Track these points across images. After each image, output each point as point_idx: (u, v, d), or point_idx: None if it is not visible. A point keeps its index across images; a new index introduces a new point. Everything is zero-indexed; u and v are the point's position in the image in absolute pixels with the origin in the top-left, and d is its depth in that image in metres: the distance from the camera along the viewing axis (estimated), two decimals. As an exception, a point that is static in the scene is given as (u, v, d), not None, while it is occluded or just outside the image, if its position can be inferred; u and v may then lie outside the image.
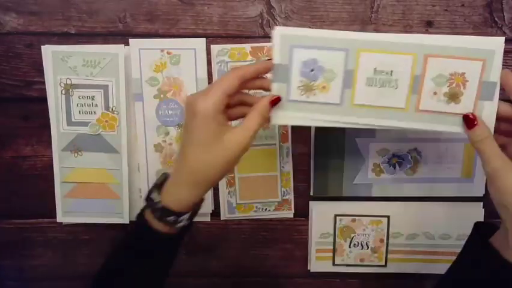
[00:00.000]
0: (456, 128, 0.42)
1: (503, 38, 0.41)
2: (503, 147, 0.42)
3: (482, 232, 0.43)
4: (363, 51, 0.42)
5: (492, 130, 0.42)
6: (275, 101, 0.42)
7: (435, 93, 0.42)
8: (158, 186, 0.43)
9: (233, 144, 0.41)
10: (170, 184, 0.43)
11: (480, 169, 0.54)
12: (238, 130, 0.41)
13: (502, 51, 0.41)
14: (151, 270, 0.43)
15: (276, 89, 0.43)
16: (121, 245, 0.45)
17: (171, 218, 0.41)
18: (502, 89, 0.41)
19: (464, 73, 0.42)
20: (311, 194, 0.57)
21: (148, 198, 0.43)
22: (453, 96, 0.42)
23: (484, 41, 0.41)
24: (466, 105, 0.42)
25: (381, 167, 0.55)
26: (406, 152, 0.55)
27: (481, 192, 0.56)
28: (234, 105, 0.44)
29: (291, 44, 0.42)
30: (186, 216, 0.42)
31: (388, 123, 0.43)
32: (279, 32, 0.42)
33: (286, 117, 0.44)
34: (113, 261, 0.45)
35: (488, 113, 0.42)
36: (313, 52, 0.42)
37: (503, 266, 0.39)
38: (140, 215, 0.44)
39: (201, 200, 0.44)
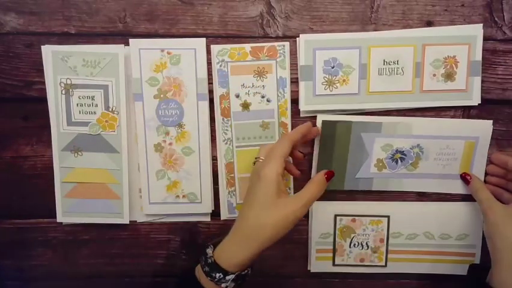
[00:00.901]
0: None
1: (481, 25, 0.53)
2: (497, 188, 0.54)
3: (477, 274, 0.50)
4: (373, 47, 0.53)
5: (482, 178, 0.55)
6: (330, 175, 0.48)
7: (434, 75, 0.53)
8: (215, 243, 0.45)
9: (288, 211, 0.43)
10: (225, 241, 0.44)
11: (478, 166, 0.55)
12: (295, 199, 0.44)
13: (482, 36, 0.53)
14: None
15: (303, 86, 0.53)
16: None
17: (218, 275, 0.42)
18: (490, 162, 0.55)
19: (455, 56, 0.53)
20: None
21: (203, 253, 0.44)
22: (449, 76, 0.53)
23: (468, 28, 0.53)
24: (460, 82, 0.54)
25: (384, 162, 0.55)
26: (409, 148, 0.55)
27: None
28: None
29: (314, 47, 0.53)
30: (232, 276, 0.43)
31: (399, 105, 0.54)
32: (303, 38, 0.53)
33: (313, 109, 0.54)
34: None
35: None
36: (333, 52, 0.53)
37: None
38: (192, 269, 0.45)
39: (251, 265, 0.45)
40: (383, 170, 0.55)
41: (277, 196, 0.43)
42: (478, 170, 0.55)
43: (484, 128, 0.54)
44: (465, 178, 0.55)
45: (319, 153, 0.55)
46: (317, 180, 0.47)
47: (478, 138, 0.54)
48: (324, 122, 0.53)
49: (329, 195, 0.56)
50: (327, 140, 0.54)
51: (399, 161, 0.55)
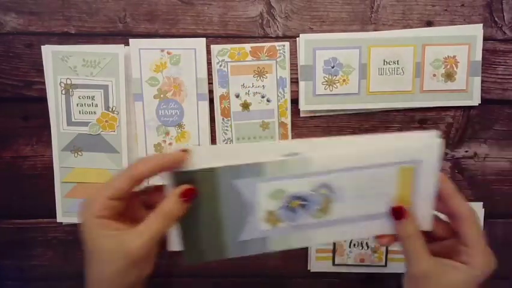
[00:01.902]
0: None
1: (481, 25, 0.52)
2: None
3: None
4: (373, 47, 0.52)
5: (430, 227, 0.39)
6: (188, 194, 0.36)
7: (434, 75, 0.53)
8: None
9: (119, 255, 0.34)
10: None
11: (423, 199, 0.39)
12: (129, 235, 0.34)
13: (482, 35, 0.52)
14: None
15: (303, 86, 0.53)
16: None
17: None
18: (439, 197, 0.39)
19: (455, 56, 0.53)
20: (186, 263, 0.40)
21: None
22: (449, 76, 0.52)
23: (468, 28, 0.52)
24: (460, 82, 0.53)
25: (277, 214, 0.39)
26: (311, 190, 0.38)
27: (427, 226, 0.40)
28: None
29: (314, 47, 0.52)
30: None
31: (399, 105, 0.53)
32: (303, 38, 0.52)
33: (313, 109, 0.52)
34: None
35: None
36: (333, 52, 0.52)
37: None
38: None
39: None
40: (279, 224, 0.39)
41: (104, 236, 0.34)
42: (423, 204, 0.39)
43: (427, 144, 0.37)
44: (396, 211, 0.38)
45: (181, 220, 0.38)
46: (165, 211, 0.35)
47: (420, 162, 0.37)
48: (174, 177, 0.37)
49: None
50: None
51: (299, 209, 0.39)
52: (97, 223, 0.34)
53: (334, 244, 0.58)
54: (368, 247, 0.58)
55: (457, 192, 0.39)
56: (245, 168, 0.38)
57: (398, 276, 0.59)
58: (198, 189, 0.37)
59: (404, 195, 0.38)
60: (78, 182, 0.56)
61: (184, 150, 0.36)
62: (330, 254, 0.58)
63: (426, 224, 0.39)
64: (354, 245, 0.58)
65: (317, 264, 0.59)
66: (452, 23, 0.53)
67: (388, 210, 0.39)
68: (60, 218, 0.57)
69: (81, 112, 0.54)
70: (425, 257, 0.37)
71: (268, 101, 0.55)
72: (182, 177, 0.37)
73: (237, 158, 0.37)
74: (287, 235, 0.40)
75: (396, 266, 0.59)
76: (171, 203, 0.35)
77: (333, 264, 0.59)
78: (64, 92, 0.54)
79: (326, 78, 0.53)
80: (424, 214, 0.39)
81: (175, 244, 0.39)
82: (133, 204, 0.37)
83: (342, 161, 0.37)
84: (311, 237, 0.40)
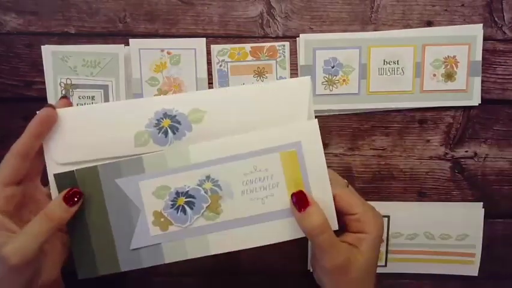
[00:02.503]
0: None
1: (481, 25, 0.52)
2: None
3: None
4: (373, 47, 0.52)
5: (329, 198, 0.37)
6: (70, 197, 0.33)
7: (434, 75, 0.53)
8: None
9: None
10: None
11: (317, 185, 0.37)
12: (8, 239, 0.31)
13: (482, 35, 0.52)
14: None
15: None
16: None
17: None
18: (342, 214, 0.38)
19: (455, 56, 0.52)
20: (78, 277, 0.38)
21: None
22: (449, 76, 0.52)
23: (468, 28, 0.52)
24: (460, 82, 0.52)
25: (165, 215, 0.36)
26: (196, 184, 0.36)
27: (333, 225, 0.38)
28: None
29: (314, 47, 0.52)
30: None
31: (400, 105, 0.53)
32: (303, 38, 0.52)
33: (314, 109, 0.43)
34: None
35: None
36: (333, 52, 0.52)
37: None
38: None
39: None
40: (170, 228, 0.37)
41: None
42: (319, 193, 0.37)
43: (303, 127, 0.36)
44: (300, 200, 0.35)
45: (68, 226, 0.36)
46: (46, 213, 0.32)
47: (299, 143, 0.36)
48: (57, 177, 0.35)
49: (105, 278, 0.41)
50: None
51: (187, 208, 0.36)
52: None
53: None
54: (368, 247, 0.58)
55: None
56: (125, 164, 0.36)
57: (398, 276, 0.59)
58: (83, 191, 0.35)
59: (295, 182, 0.36)
60: (78, 182, 0.56)
61: (49, 106, 0.34)
62: (330, 254, 0.58)
63: (330, 214, 0.37)
64: (354, 245, 0.58)
65: (317, 264, 0.59)
66: (452, 23, 0.53)
67: (285, 204, 0.36)
68: (61, 218, 0.57)
69: (81, 112, 0.54)
70: (340, 247, 0.35)
71: (268, 101, 0.55)
72: (64, 179, 0.35)
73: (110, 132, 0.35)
74: (182, 241, 0.37)
75: (396, 266, 0.59)
76: (54, 206, 0.33)
77: (333, 264, 0.58)
78: (64, 92, 0.54)
79: (326, 78, 0.53)
80: (323, 201, 0.36)
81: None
82: (36, 200, 0.35)
83: (220, 150, 0.36)
84: (208, 243, 0.37)
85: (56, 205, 0.33)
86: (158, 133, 0.36)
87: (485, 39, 0.53)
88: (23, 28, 0.53)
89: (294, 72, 0.54)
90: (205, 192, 0.36)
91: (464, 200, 0.57)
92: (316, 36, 0.53)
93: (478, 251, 0.57)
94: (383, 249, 0.58)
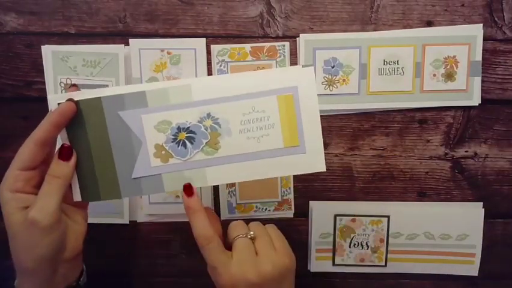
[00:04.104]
0: None
1: (481, 25, 0.52)
2: None
3: None
4: (373, 47, 0.52)
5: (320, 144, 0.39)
6: (63, 153, 0.36)
7: (434, 75, 0.53)
8: None
9: (24, 226, 0.34)
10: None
11: (309, 130, 0.39)
12: (31, 206, 0.35)
13: (482, 35, 0.52)
14: None
15: None
16: None
17: None
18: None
19: (455, 56, 0.53)
20: (77, 199, 0.40)
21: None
22: (449, 76, 0.52)
23: (468, 28, 0.52)
24: (460, 82, 0.53)
25: (166, 148, 0.39)
26: (197, 121, 0.38)
27: (319, 166, 0.39)
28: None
29: (314, 47, 0.52)
30: None
31: (400, 105, 0.53)
32: (303, 38, 0.52)
33: None
34: None
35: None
36: (333, 52, 0.52)
37: None
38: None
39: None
40: (170, 160, 0.39)
41: (17, 212, 0.35)
42: (311, 138, 0.39)
43: (299, 72, 0.38)
44: (187, 190, 0.39)
45: (75, 149, 0.39)
46: (50, 173, 0.36)
47: (295, 88, 0.38)
48: (61, 103, 0.37)
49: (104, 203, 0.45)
50: (76, 131, 0.38)
51: (187, 143, 0.39)
52: (11, 197, 0.35)
53: (334, 244, 0.58)
54: (368, 247, 0.58)
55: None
56: (129, 97, 0.37)
57: (398, 276, 0.59)
58: (87, 120, 0.37)
59: (289, 124, 0.38)
60: (78, 182, 0.56)
61: (70, 100, 0.37)
62: (330, 254, 0.58)
63: (319, 157, 0.39)
64: (354, 245, 0.58)
65: (317, 264, 0.59)
66: (452, 23, 0.53)
67: (278, 144, 0.38)
68: (61, 218, 0.57)
69: (81, 112, 0.54)
70: (229, 261, 0.38)
71: (268, 101, 0.55)
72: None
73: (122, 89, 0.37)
74: (181, 172, 0.39)
75: (396, 266, 0.59)
76: (54, 165, 0.36)
77: (333, 264, 0.59)
78: (64, 92, 0.54)
79: (326, 78, 0.53)
80: (314, 144, 0.39)
81: (77, 193, 0.39)
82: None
83: (221, 89, 0.38)
84: (206, 175, 0.39)
85: (56, 164, 0.36)
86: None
87: (485, 39, 0.53)
88: (23, 28, 0.53)
89: (294, 72, 0.54)
90: (205, 128, 0.38)
91: (464, 200, 0.57)
92: (316, 36, 0.53)
93: (478, 251, 0.57)
94: (383, 249, 0.58)
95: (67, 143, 0.38)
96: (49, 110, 0.37)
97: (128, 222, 0.57)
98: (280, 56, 0.54)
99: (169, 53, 0.53)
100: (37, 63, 0.54)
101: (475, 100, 0.54)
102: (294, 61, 0.54)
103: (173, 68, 0.54)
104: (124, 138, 0.38)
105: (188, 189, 0.38)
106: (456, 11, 0.53)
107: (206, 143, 0.39)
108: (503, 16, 0.53)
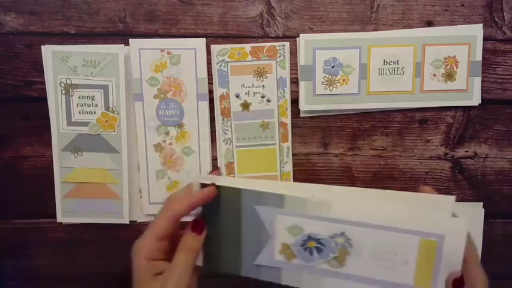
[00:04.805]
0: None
1: (481, 25, 0.53)
2: None
3: None
4: (373, 47, 0.52)
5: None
6: (197, 227, 0.39)
7: (434, 75, 0.53)
8: None
9: None
10: None
11: (443, 280, 0.36)
12: (164, 275, 0.37)
13: (482, 35, 0.52)
14: None
15: (303, 86, 0.53)
16: None
17: None
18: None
19: (456, 56, 0.53)
20: (200, 264, 0.42)
21: None
22: (449, 76, 0.52)
23: (468, 28, 0.52)
24: (460, 82, 0.53)
25: (293, 250, 0.39)
26: (329, 236, 0.38)
27: None
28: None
29: (314, 47, 0.52)
30: None
31: (400, 105, 0.53)
32: (303, 38, 0.52)
33: (313, 109, 0.53)
34: None
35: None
36: (333, 52, 0.52)
37: None
38: None
39: None
40: (293, 260, 0.39)
41: (152, 279, 0.37)
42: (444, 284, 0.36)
43: (454, 222, 0.34)
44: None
45: (207, 223, 0.41)
46: (185, 246, 0.39)
47: (442, 237, 0.34)
48: (203, 187, 0.40)
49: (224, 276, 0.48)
50: (211, 208, 0.40)
51: (314, 251, 0.39)
52: (146, 265, 0.37)
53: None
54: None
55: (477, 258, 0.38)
56: (267, 196, 0.39)
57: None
58: (223, 203, 0.40)
59: (425, 268, 0.36)
60: (78, 182, 0.56)
61: (212, 184, 0.39)
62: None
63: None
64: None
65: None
66: (452, 23, 0.53)
67: (407, 281, 0.36)
68: (60, 218, 0.57)
69: (81, 112, 0.54)
70: None
71: (268, 101, 0.55)
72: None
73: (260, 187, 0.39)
74: (300, 273, 0.39)
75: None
76: (187, 237, 0.39)
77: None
78: (63, 92, 0.54)
79: (326, 78, 0.53)
80: None
81: (199, 260, 0.41)
82: (178, 241, 0.40)
83: (362, 214, 0.37)
84: (323, 284, 0.39)
85: (190, 237, 0.39)
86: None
87: (485, 39, 0.53)
88: (23, 28, 0.53)
89: (294, 72, 0.54)
90: (335, 245, 0.38)
91: (464, 200, 0.57)
92: (316, 36, 0.53)
93: (478, 250, 0.57)
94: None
95: (200, 217, 0.40)
96: (191, 188, 0.39)
97: (128, 222, 0.57)
98: (280, 56, 0.54)
99: (169, 53, 0.53)
100: (37, 63, 0.54)
101: (475, 100, 0.54)
102: (294, 61, 0.54)
103: (173, 68, 0.54)
104: (255, 229, 0.40)
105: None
106: (456, 11, 0.53)
107: (333, 257, 0.38)
108: (503, 16, 0.53)
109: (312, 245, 0.38)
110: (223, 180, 0.39)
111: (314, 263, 0.39)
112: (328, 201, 0.37)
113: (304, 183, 0.39)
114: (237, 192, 0.39)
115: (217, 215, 0.40)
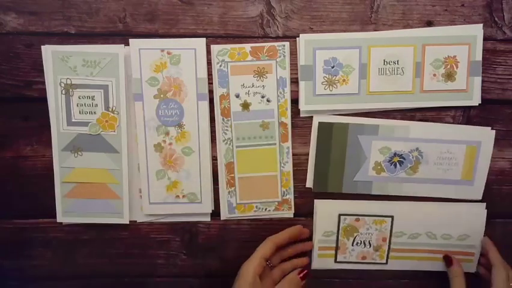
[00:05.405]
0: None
1: (481, 25, 0.52)
2: None
3: None
4: (373, 47, 0.53)
5: (483, 184, 0.56)
6: (304, 276, 0.53)
7: (434, 75, 0.53)
8: None
9: None
10: None
11: (480, 172, 0.55)
12: None
13: (482, 35, 0.52)
14: None
15: (303, 86, 0.53)
16: None
17: None
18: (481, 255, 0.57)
19: (456, 56, 0.53)
20: (311, 188, 0.57)
21: None
22: (449, 76, 0.53)
23: (468, 28, 0.53)
24: (460, 82, 0.53)
25: (382, 165, 0.55)
26: (408, 151, 0.54)
27: (479, 195, 0.56)
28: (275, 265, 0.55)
29: (314, 47, 0.52)
30: None
31: (400, 105, 0.54)
32: (303, 38, 0.52)
33: (313, 109, 0.54)
34: None
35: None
36: (333, 52, 0.53)
37: None
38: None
39: None
40: (382, 174, 0.55)
41: None
42: (480, 177, 0.55)
43: (484, 133, 0.54)
44: (447, 260, 0.56)
45: (316, 155, 0.55)
46: (290, 279, 0.52)
47: (479, 143, 0.54)
48: (320, 124, 0.54)
49: (329, 196, 0.57)
50: (323, 142, 0.54)
51: (397, 164, 0.55)
52: (252, 276, 0.49)
53: (337, 242, 0.58)
54: (370, 245, 0.58)
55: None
56: (367, 127, 0.54)
57: (398, 274, 0.60)
58: (334, 135, 0.54)
59: (469, 165, 0.55)
60: (78, 182, 0.56)
61: (306, 228, 0.57)
62: (333, 252, 0.58)
63: (481, 189, 0.56)
64: (357, 243, 0.58)
65: (319, 261, 0.59)
66: (452, 23, 0.53)
67: (460, 180, 0.55)
68: (60, 218, 0.57)
69: (81, 112, 0.54)
70: None
71: (268, 101, 0.55)
72: (325, 125, 0.54)
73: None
74: (386, 183, 0.56)
75: (397, 264, 0.59)
76: (294, 275, 0.53)
77: (335, 261, 0.59)
78: (64, 92, 0.54)
79: (326, 78, 0.53)
80: (481, 181, 0.56)
81: (310, 183, 0.56)
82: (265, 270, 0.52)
83: (430, 133, 0.54)
84: (403, 188, 0.56)
85: (295, 277, 0.53)
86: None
87: (485, 39, 0.53)
88: (23, 28, 0.53)
89: (294, 72, 0.54)
90: (412, 157, 0.54)
91: (464, 200, 0.57)
92: (316, 36, 0.53)
93: (477, 251, 0.57)
94: (385, 247, 0.58)
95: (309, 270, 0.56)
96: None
97: (128, 222, 0.57)
98: (280, 56, 0.54)
99: (169, 53, 0.53)
100: (37, 63, 0.54)
101: (475, 100, 0.54)
102: (294, 61, 0.54)
103: (173, 68, 0.54)
104: (356, 152, 0.55)
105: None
106: (456, 11, 0.53)
107: (410, 167, 0.55)
108: (503, 16, 0.53)
109: (396, 160, 0.54)
110: (335, 119, 0.54)
111: (396, 173, 0.55)
112: (407, 125, 0.54)
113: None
114: (345, 126, 0.54)
115: (328, 146, 0.54)
